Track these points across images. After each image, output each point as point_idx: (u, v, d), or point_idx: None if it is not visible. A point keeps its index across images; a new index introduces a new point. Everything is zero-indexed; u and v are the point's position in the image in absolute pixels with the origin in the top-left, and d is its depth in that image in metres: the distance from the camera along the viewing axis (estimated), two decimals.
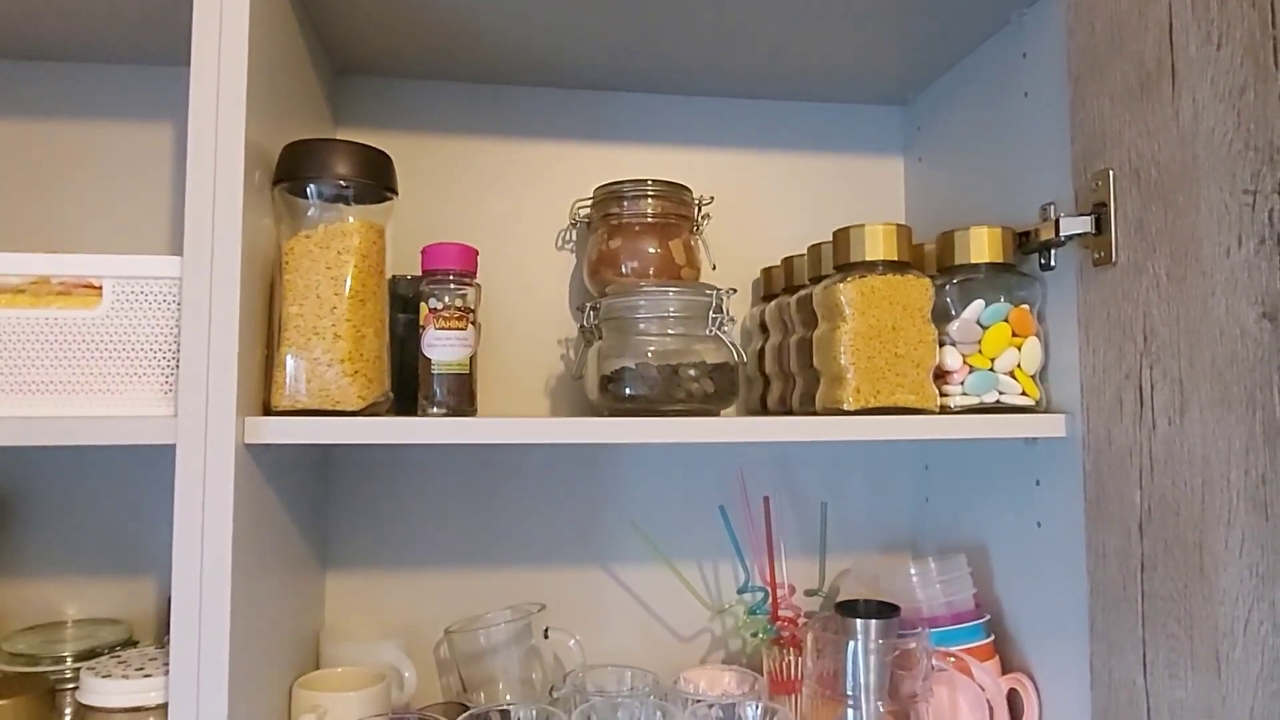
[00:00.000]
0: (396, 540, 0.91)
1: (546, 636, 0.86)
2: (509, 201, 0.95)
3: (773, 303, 0.89)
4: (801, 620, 0.83)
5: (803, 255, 0.87)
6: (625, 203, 0.87)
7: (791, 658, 0.83)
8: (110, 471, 0.87)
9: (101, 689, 0.66)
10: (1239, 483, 0.56)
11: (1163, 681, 0.61)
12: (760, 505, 0.87)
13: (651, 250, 0.86)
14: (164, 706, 0.66)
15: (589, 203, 0.90)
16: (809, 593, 0.86)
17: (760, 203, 0.99)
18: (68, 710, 0.73)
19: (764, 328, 0.92)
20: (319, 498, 0.87)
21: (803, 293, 0.81)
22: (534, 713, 0.73)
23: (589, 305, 0.79)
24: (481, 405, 0.79)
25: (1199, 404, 0.59)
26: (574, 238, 0.96)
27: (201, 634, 0.60)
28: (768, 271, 0.95)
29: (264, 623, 0.68)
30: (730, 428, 0.68)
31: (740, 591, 0.87)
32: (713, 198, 0.91)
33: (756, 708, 0.74)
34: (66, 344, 0.62)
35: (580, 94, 0.97)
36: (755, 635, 0.86)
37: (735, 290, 0.75)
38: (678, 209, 0.88)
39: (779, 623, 0.84)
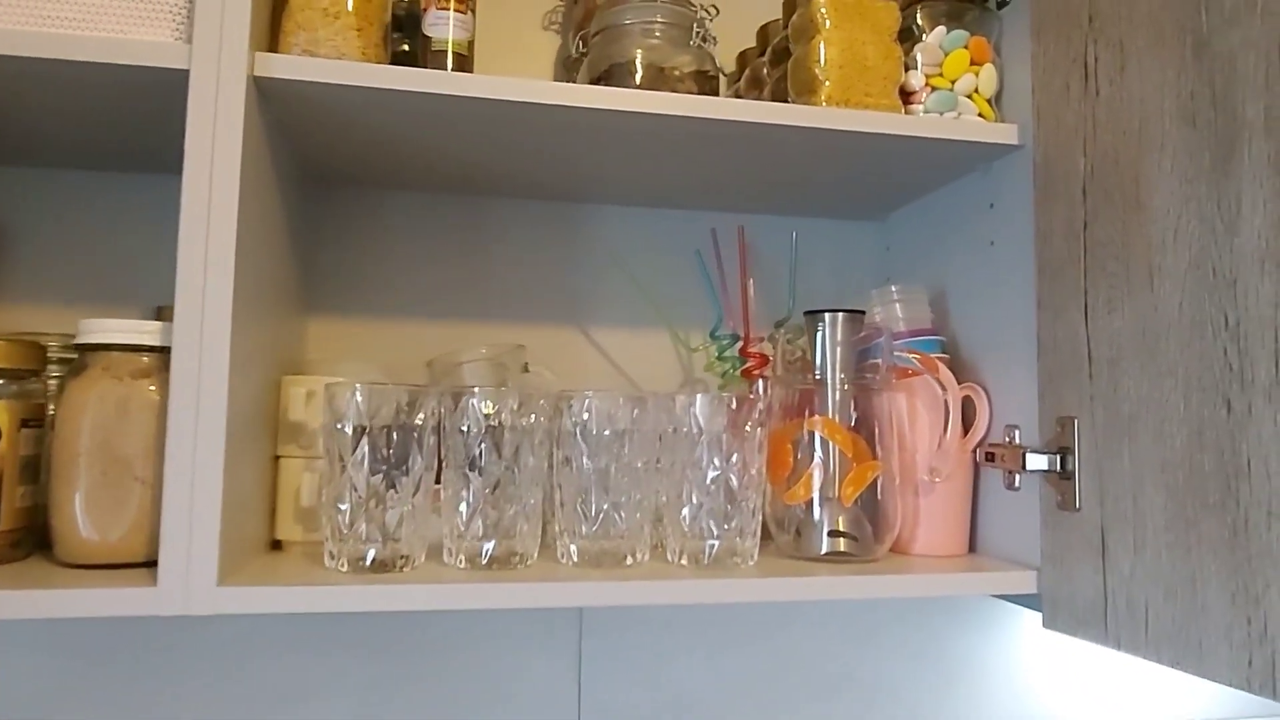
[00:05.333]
0: (378, 288, 0.94)
1: (527, 370, 0.89)
2: None
3: (747, 70, 0.95)
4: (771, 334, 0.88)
5: (776, 20, 0.93)
6: None
7: (761, 388, 0.87)
8: (100, 203, 0.89)
9: (101, 327, 0.67)
10: (1171, 106, 0.62)
11: (1102, 320, 0.67)
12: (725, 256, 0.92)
13: None
14: (161, 349, 0.68)
15: None
16: (778, 324, 0.91)
17: None
18: (54, 369, 0.74)
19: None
20: (304, 235, 0.90)
21: (776, 41, 0.87)
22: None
23: (578, 35, 0.84)
24: None
25: (1137, 54, 0.65)
26: (560, 18, 1.00)
27: (209, 255, 0.62)
28: (743, 55, 1.00)
29: (260, 289, 0.71)
30: (716, 106, 0.72)
31: (712, 334, 0.92)
32: None
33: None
34: None
35: None
36: (725, 374, 0.90)
37: (718, 10, 0.80)
38: None
39: (749, 358, 0.89)
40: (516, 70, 0.98)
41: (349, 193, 0.94)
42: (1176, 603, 0.60)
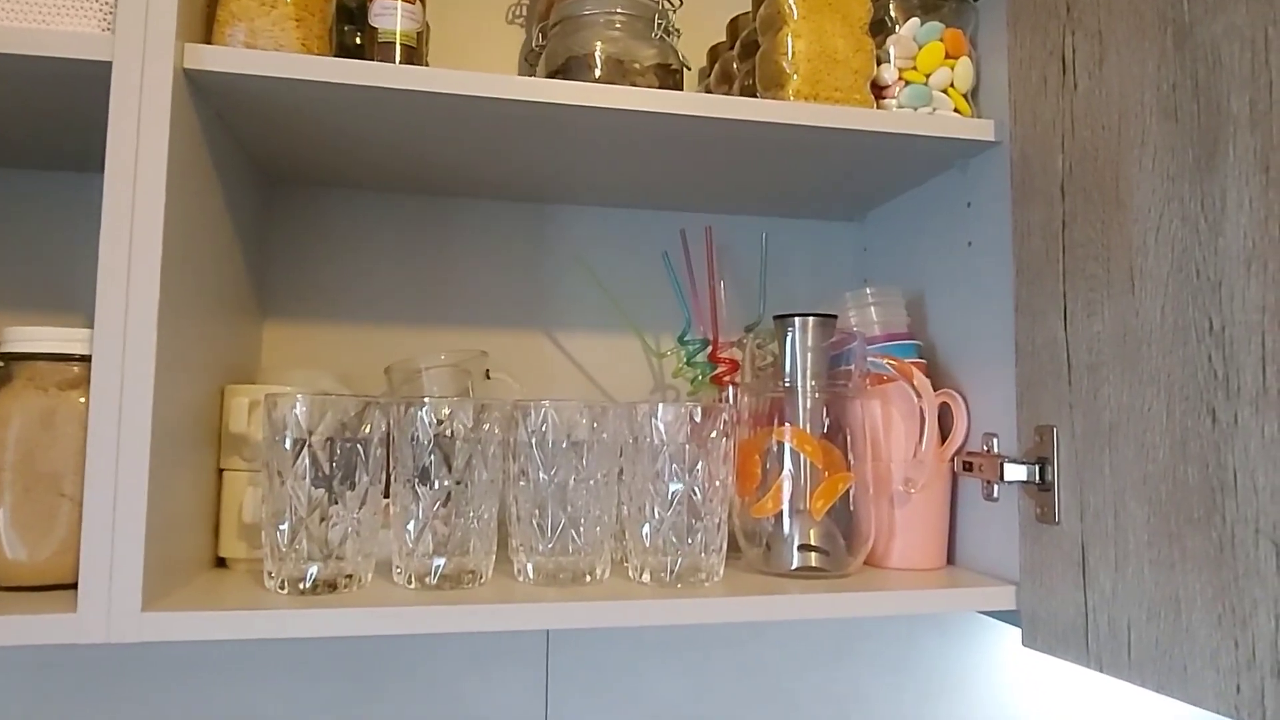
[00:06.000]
0: (335, 292, 0.90)
1: (489, 376, 0.86)
2: None
3: (717, 64, 0.92)
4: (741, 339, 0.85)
5: (747, 12, 0.89)
6: None
7: (731, 395, 0.84)
8: (40, 204, 0.85)
9: (25, 335, 0.64)
10: (1151, 100, 0.59)
11: (1081, 324, 0.64)
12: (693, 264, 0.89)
13: None
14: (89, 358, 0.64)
15: None
16: (748, 328, 0.87)
17: None
18: None
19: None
20: (256, 237, 0.86)
21: (745, 35, 0.83)
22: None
23: (538, 28, 0.80)
24: None
25: (1116, 46, 0.62)
26: (524, 12, 0.97)
27: (132, 257, 0.59)
28: (713, 49, 0.97)
29: (197, 293, 0.67)
30: (674, 100, 0.69)
31: (680, 339, 0.88)
32: None
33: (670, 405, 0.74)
34: None
35: None
36: (694, 380, 0.87)
37: (681, 1, 0.77)
38: None
39: (719, 363, 0.85)
40: (480, 65, 0.94)
41: (305, 192, 0.91)
42: (1160, 623, 0.57)
